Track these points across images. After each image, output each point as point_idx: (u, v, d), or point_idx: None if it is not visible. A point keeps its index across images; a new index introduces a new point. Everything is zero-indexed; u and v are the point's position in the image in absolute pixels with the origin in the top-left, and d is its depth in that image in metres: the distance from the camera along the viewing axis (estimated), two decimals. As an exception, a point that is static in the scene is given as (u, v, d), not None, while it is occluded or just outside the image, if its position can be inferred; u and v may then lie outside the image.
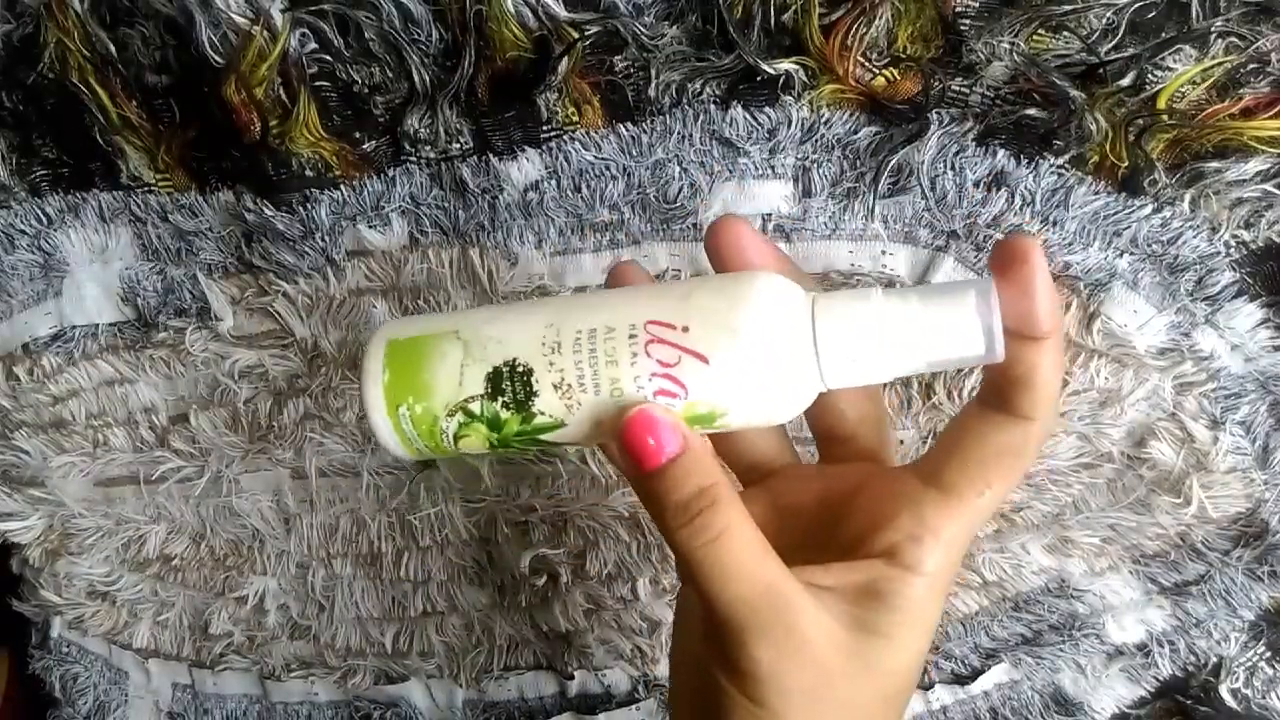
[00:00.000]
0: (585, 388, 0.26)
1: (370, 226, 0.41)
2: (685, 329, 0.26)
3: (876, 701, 0.27)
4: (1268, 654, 0.42)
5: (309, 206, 0.40)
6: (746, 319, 0.25)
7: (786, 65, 0.37)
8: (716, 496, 0.25)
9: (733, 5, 0.37)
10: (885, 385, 0.40)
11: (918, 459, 0.28)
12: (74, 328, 0.44)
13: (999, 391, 0.26)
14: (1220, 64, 0.35)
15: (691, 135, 0.38)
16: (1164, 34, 0.36)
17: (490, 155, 0.39)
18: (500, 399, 0.27)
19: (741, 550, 0.25)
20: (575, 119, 0.39)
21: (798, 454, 0.32)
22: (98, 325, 0.44)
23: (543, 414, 0.27)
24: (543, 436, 0.27)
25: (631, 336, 0.26)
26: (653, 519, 0.27)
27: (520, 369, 0.26)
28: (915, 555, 0.26)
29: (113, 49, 0.39)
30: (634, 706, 0.46)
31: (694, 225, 0.39)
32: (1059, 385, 0.26)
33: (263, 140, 0.39)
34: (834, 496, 0.29)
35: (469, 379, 0.27)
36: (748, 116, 0.38)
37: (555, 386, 0.26)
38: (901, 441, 0.40)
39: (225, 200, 0.41)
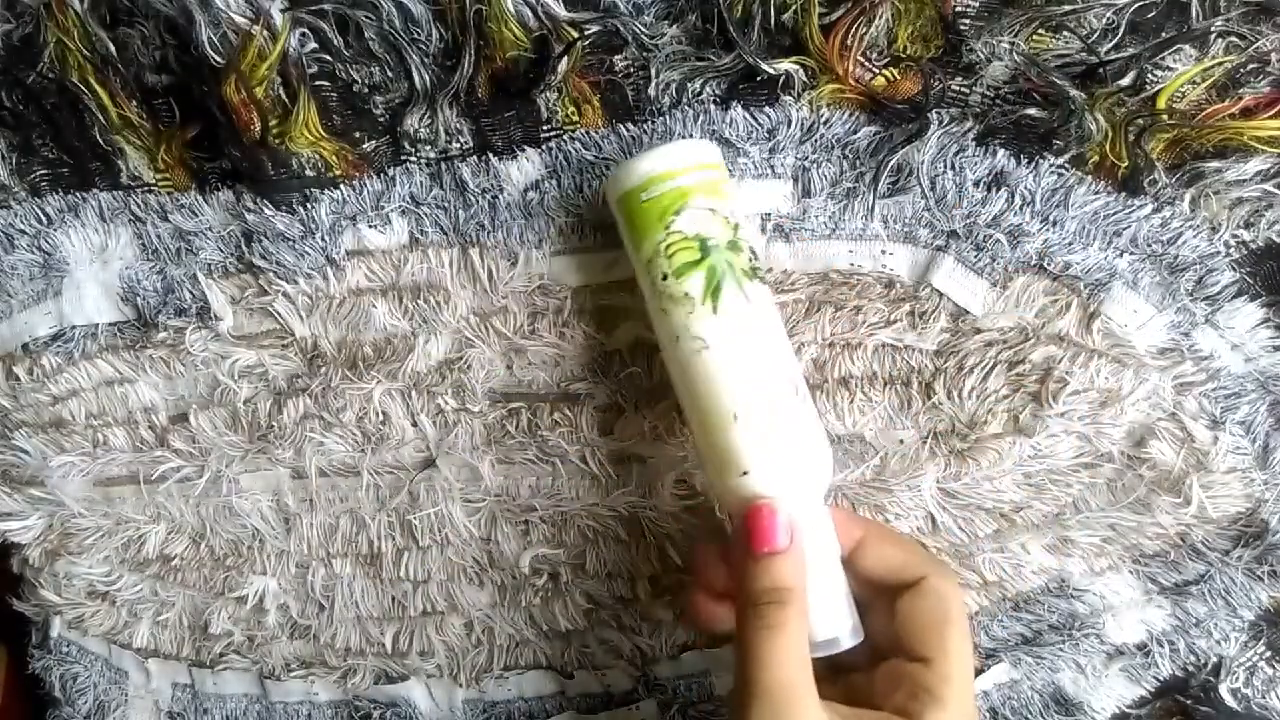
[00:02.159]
0: (750, 332, 0.34)
1: (370, 226, 0.41)
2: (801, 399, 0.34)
3: None
4: (1268, 654, 0.42)
5: (309, 206, 0.40)
6: (815, 450, 0.34)
7: (786, 65, 0.37)
8: (789, 600, 0.32)
9: (733, 5, 0.37)
10: (885, 387, 0.40)
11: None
12: (74, 327, 0.44)
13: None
14: (1220, 64, 0.35)
15: (691, 135, 0.38)
16: (1164, 34, 0.36)
17: (490, 155, 0.39)
18: (752, 254, 0.35)
19: (785, 647, 0.31)
20: (575, 118, 0.39)
21: None
22: (98, 325, 0.44)
23: (753, 287, 0.34)
24: (725, 287, 0.33)
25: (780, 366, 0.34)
26: (737, 585, 0.33)
27: (761, 275, 0.35)
28: (916, 708, 0.32)
29: (113, 49, 0.39)
30: (634, 706, 0.46)
31: (694, 225, 0.39)
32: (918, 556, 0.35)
33: (263, 140, 0.39)
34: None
35: (751, 234, 0.36)
36: (747, 116, 0.38)
37: (754, 299, 0.34)
38: (901, 441, 0.40)
39: (225, 200, 0.41)
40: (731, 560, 0.34)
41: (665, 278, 0.34)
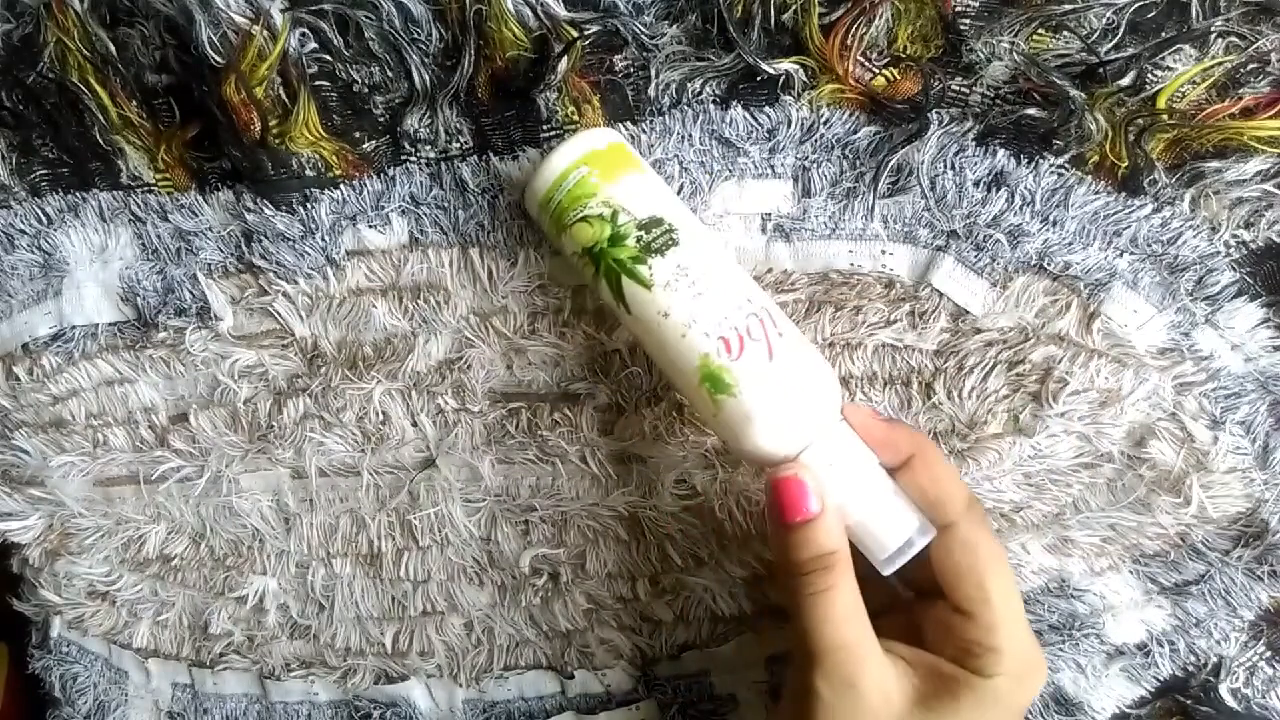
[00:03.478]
0: (694, 286, 0.33)
1: (370, 226, 0.41)
2: (781, 335, 0.33)
3: None
4: (1268, 654, 0.42)
5: (309, 206, 0.40)
6: (813, 375, 0.33)
7: (786, 65, 0.37)
8: (834, 562, 0.31)
9: (733, 5, 0.37)
10: (885, 387, 0.40)
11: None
12: (74, 327, 0.44)
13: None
14: (1220, 64, 0.35)
15: (691, 135, 0.38)
16: (1164, 34, 0.36)
17: (490, 155, 0.39)
18: (641, 231, 0.33)
19: (838, 607, 0.31)
20: (575, 118, 0.39)
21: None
22: (98, 325, 0.44)
23: (649, 269, 0.33)
24: (624, 280, 0.34)
25: (750, 301, 0.33)
26: (774, 557, 0.33)
27: (673, 235, 0.33)
28: (975, 664, 0.31)
29: (113, 49, 0.39)
30: (634, 706, 0.46)
31: (694, 225, 0.39)
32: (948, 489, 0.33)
33: (263, 140, 0.39)
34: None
35: (642, 205, 0.34)
36: (747, 116, 0.38)
37: (679, 265, 0.33)
38: (901, 441, 0.40)
39: (225, 200, 0.41)
40: (767, 529, 0.34)
41: (594, 290, 0.36)
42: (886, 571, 0.32)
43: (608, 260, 0.34)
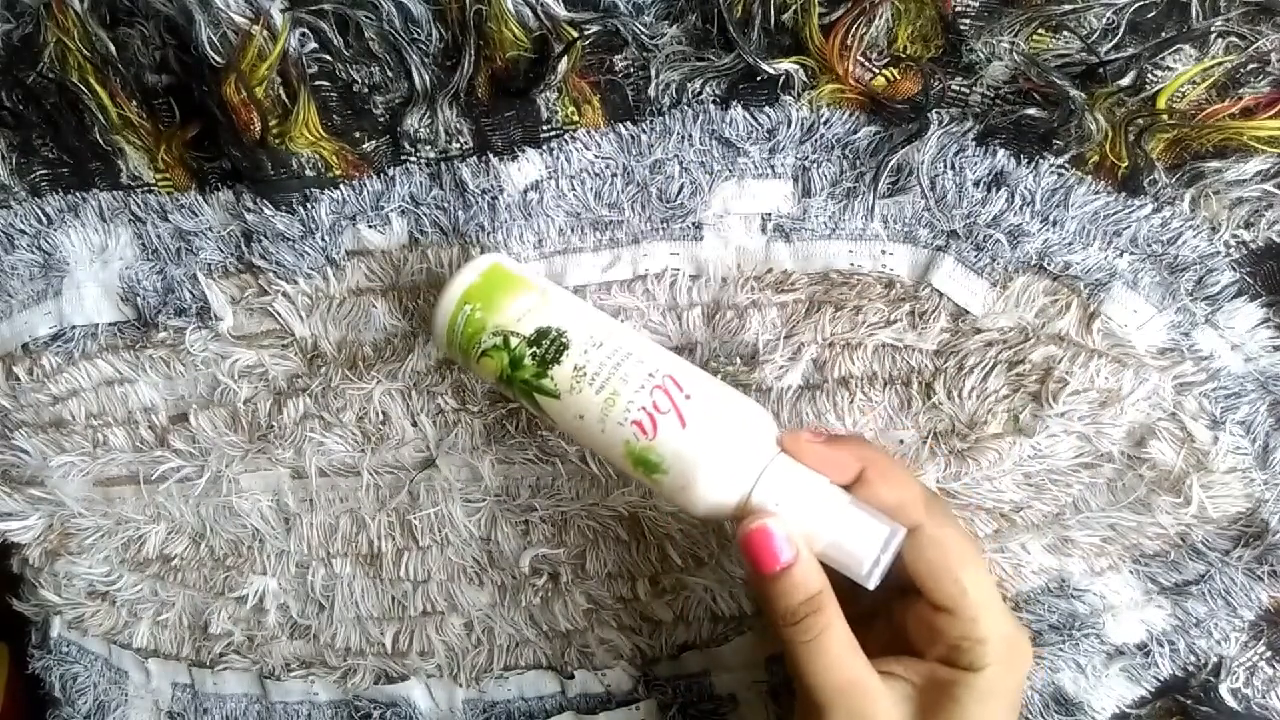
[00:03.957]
0: (594, 383, 0.33)
1: (370, 226, 0.41)
2: (688, 397, 0.33)
3: None
4: (1268, 654, 0.42)
5: (309, 206, 0.40)
6: (732, 421, 0.33)
7: (786, 65, 0.37)
8: (820, 604, 0.32)
9: (733, 5, 0.37)
10: (885, 387, 0.40)
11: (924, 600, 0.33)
12: (74, 327, 0.44)
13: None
14: (1220, 64, 0.35)
15: (691, 135, 0.38)
16: (1164, 34, 0.36)
17: (490, 155, 0.39)
18: (534, 348, 0.34)
19: (834, 648, 0.31)
20: (575, 118, 0.39)
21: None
22: (97, 325, 0.44)
23: (551, 380, 0.34)
24: (536, 396, 0.35)
25: (650, 375, 0.33)
26: (762, 609, 0.34)
27: (562, 340, 0.34)
28: (965, 659, 0.32)
29: (113, 49, 0.39)
30: (634, 706, 0.46)
31: (694, 224, 0.39)
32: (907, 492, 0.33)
33: (263, 140, 0.39)
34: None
35: (528, 322, 0.35)
36: (747, 116, 0.38)
37: (576, 368, 0.34)
38: (901, 441, 0.40)
39: (225, 200, 0.41)
40: (749, 582, 0.33)
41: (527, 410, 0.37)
42: (871, 585, 0.31)
43: (516, 385, 0.35)
